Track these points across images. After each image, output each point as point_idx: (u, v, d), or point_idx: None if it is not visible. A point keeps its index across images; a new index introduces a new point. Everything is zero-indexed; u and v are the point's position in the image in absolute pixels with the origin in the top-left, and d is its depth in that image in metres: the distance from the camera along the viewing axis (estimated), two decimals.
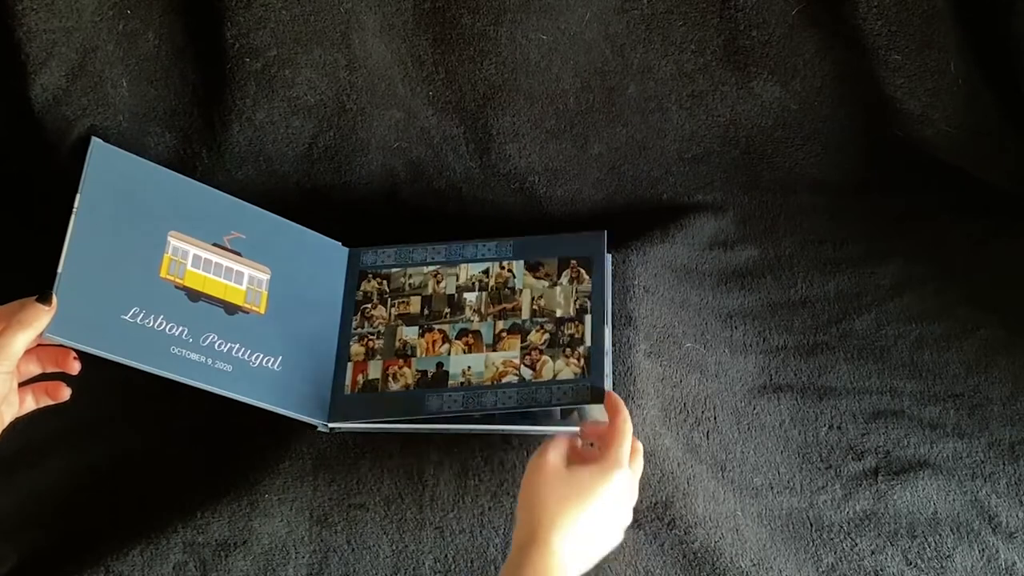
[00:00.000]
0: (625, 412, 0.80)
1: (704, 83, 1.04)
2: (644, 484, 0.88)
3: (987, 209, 1.08)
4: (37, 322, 0.74)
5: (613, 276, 0.98)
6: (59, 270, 0.79)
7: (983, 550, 0.87)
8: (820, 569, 0.87)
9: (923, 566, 0.87)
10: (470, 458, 0.89)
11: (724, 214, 1.07)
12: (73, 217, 0.81)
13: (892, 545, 0.88)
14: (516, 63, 1.00)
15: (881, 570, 0.86)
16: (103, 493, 0.89)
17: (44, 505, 0.88)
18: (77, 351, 0.79)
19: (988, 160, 1.07)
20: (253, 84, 0.97)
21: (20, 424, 0.78)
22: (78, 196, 0.82)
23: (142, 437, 0.92)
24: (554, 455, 0.76)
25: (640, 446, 0.83)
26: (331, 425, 0.89)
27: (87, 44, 0.93)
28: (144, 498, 0.88)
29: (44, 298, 0.76)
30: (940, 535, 0.88)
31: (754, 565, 0.85)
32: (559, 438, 0.78)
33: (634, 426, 0.89)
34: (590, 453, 0.79)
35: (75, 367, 0.79)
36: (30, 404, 0.79)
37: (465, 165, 1.05)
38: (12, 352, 0.73)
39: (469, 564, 0.85)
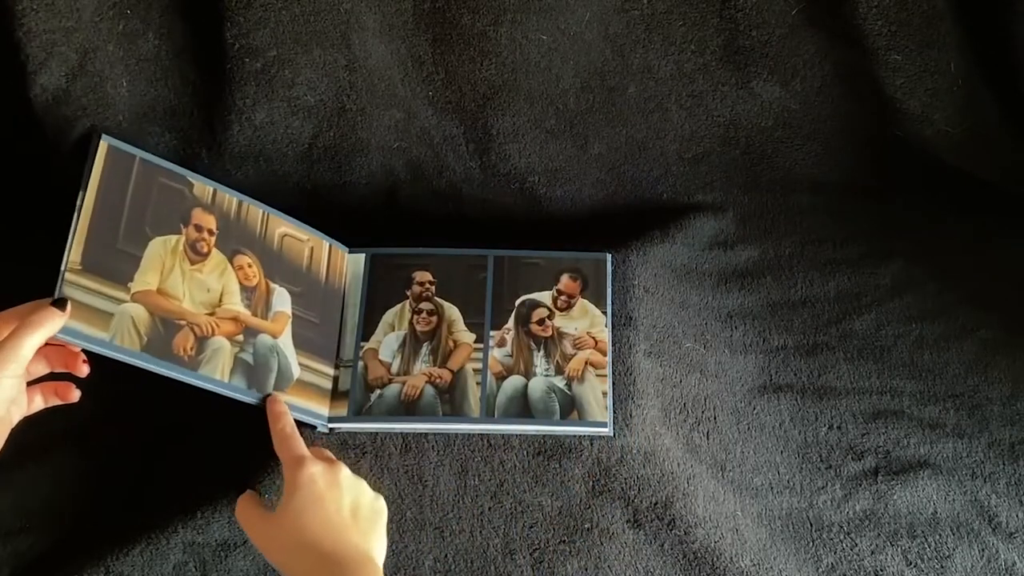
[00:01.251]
0: (276, 411, 0.82)
1: (704, 83, 1.04)
2: (644, 484, 0.88)
3: (987, 209, 1.08)
4: (50, 325, 0.74)
5: (613, 276, 0.98)
6: (62, 267, 0.78)
7: (983, 550, 0.87)
8: (820, 569, 0.87)
9: (923, 566, 0.87)
10: (470, 458, 0.89)
11: (724, 214, 1.07)
12: (76, 215, 0.81)
13: (892, 545, 0.88)
14: (516, 63, 1.00)
15: (881, 570, 0.86)
16: (103, 493, 0.89)
17: (44, 505, 0.88)
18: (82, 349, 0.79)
19: (988, 160, 1.07)
20: (253, 84, 0.97)
21: (21, 424, 0.78)
22: (81, 193, 0.81)
23: (142, 437, 0.91)
24: (249, 510, 0.75)
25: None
26: (331, 425, 0.89)
27: (87, 44, 0.92)
28: (144, 498, 0.88)
29: (60, 303, 0.75)
30: (940, 535, 0.88)
31: (754, 565, 0.85)
32: (243, 497, 0.77)
33: (634, 426, 0.89)
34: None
35: (84, 370, 0.79)
36: (39, 403, 0.79)
37: (465, 165, 1.05)
38: (21, 356, 0.72)
39: (469, 564, 0.85)
